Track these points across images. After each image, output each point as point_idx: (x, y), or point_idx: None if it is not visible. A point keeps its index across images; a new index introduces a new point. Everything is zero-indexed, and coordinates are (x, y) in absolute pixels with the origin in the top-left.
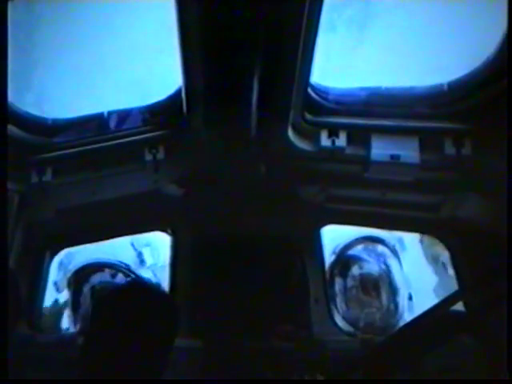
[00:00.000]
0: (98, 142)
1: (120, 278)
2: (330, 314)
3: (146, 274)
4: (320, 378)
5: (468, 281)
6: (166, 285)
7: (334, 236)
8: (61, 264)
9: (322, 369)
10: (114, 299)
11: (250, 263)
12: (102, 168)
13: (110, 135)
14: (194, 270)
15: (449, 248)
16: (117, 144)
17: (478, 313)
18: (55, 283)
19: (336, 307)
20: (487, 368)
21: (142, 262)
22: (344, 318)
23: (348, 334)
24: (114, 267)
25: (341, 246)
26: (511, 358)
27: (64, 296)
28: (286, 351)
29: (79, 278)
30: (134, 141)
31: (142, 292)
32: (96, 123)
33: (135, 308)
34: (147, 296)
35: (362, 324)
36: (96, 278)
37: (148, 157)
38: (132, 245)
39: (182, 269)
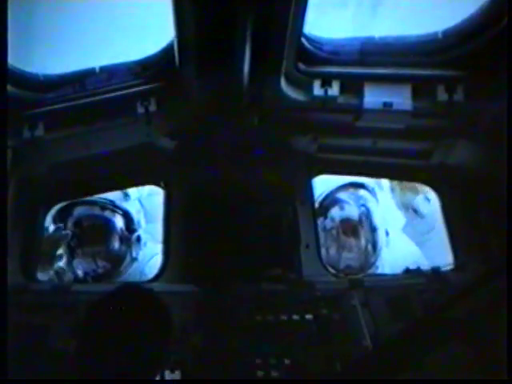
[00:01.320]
0: (90, 97)
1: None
2: (319, 258)
3: (131, 206)
4: (309, 317)
5: (458, 230)
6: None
7: (317, 185)
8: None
9: (310, 308)
10: (105, 305)
11: (242, 212)
12: (95, 122)
13: (102, 89)
14: (187, 221)
15: (439, 195)
16: (109, 98)
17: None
18: None
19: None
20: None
21: (126, 196)
22: (324, 259)
23: (337, 275)
24: (98, 204)
25: (324, 194)
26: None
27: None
28: (276, 293)
29: (63, 214)
30: (126, 94)
31: (132, 297)
32: (88, 78)
33: (127, 313)
34: (138, 300)
35: (342, 265)
36: (79, 211)
37: (140, 110)
38: None
39: (175, 221)
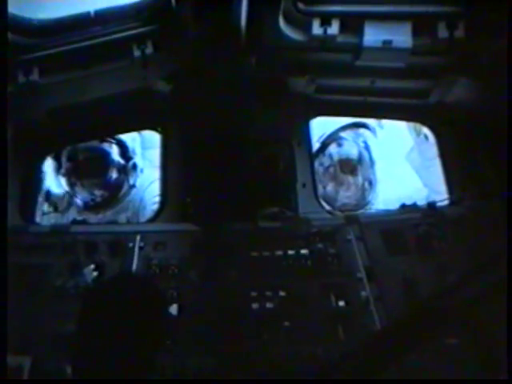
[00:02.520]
0: (85, 41)
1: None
2: (316, 197)
3: (126, 135)
4: (304, 251)
5: (454, 167)
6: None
7: (319, 127)
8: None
9: (306, 244)
10: (102, 293)
11: (239, 153)
12: (91, 66)
13: (98, 33)
14: (185, 162)
15: (436, 135)
16: (104, 41)
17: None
18: None
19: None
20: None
21: None
22: (322, 196)
23: (333, 212)
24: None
25: (326, 135)
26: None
27: None
28: (272, 230)
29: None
30: (122, 37)
31: (128, 285)
32: (83, 22)
33: (123, 301)
34: (134, 288)
35: (339, 203)
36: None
37: (136, 53)
38: None
39: (172, 163)
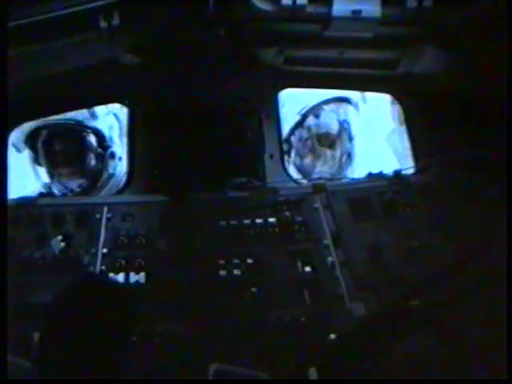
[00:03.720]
0: (50, 12)
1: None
2: (283, 168)
3: (102, 124)
4: (272, 220)
5: (421, 142)
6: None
7: (299, 99)
8: None
9: (273, 213)
10: (70, 296)
11: (207, 124)
12: (56, 39)
13: (64, 4)
14: (152, 135)
15: (404, 107)
16: (69, 13)
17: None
18: (13, 145)
19: (293, 159)
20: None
21: (93, 115)
22: (298, 168)
23: (299, 182)
24: (67, 125)
25: (308, 107)
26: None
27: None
28: (240, 199)
29: (33, 136)
30: (88, 9)
31: (96, 287)
32: None
33: (91, 303)
34: (102, 290)
35: (315, 176)
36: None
37: (103, 24)
38: None
39: (139, 135)
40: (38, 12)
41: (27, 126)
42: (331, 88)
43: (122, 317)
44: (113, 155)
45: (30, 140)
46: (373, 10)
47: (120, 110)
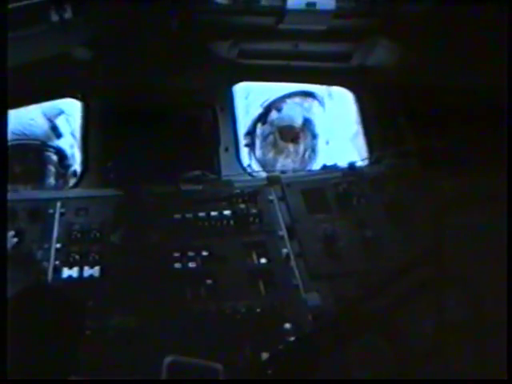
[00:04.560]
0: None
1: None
2: (238, 160)
3: (65, 143)
4: (227, 213)
5: (374, 135)
6: None
7: (263, 91)
8: None
9: (229, 206)
10: (15, 304)
11: (161, 118)
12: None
13: None
14: (106, 129)
15: (358, 100)
16: (21, 6)
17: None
18: None
19: (254, 154)
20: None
21: (58, 135)
22: (260, 163)
23: (255, 175)
24: (29, 146)
25: (270, 100)
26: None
27: None
28: (195, 192)
29: None
30: (40, 1)
31: (41, 295)
32: None
33: (36, 311)
34: (47, 299)
35: (277, 169)
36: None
37: (54, 17)
38: (44, 116)
39: (93, 128)
40: None
41: None
42: (286, 81)
43: (67, 321)
44: (75, 174)
45: None
46: (327, 2)
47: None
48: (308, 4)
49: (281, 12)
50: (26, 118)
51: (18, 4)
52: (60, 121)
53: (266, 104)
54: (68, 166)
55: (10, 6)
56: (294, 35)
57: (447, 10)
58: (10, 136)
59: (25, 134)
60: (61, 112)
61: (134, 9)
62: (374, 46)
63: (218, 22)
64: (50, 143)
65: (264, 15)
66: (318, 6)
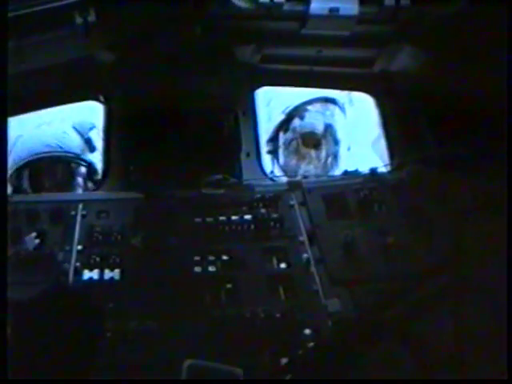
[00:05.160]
0: (25, 9)
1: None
2: (260, 166)
3: (97, 157)
4: (247, 217)
5: (396, 141)
6: None
7: (286, 98)
8: None
9: (249, 210)
10: (37, 305)
11: (183, 122)
12: (31, 35)
13: (38, 1)
14: (128, 132)
15: (380, 106)
16: (44, 9)
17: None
18: None
19: (277, 160)
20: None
21: (92, 148)
22: (283, 169)
23: (276, 179)
24: (62, 158)
25: (292, 106)
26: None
27: None
28: (216, 197)
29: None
30: (64, 5)
31: (62, 297)
32: None
33: (57, 313)
34: (67, 300)
35: (299, 176)
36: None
37: (78, 21)
38: (76, 130)
39: (115, 132)
40: (12, 8)
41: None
42: (308, 87)
43: (87, 324)
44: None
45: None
46: (350, 7)
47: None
48: (331, 9)
49: (304, 17)
50: (60, 131)
51: (42, 7)
52: (93, 135)
53: (287, 111)
54: (97, 181)
55: (35, 9)
56: (316, 40)
57: (472, 15)
58: (43, 148)
59: (60, 147)
60: (93, 127)
61: (157, 12)
62: (398, 52)
63: (241, 27)
64: (83, 157)
65: (287, 20)
66: (341, 12)
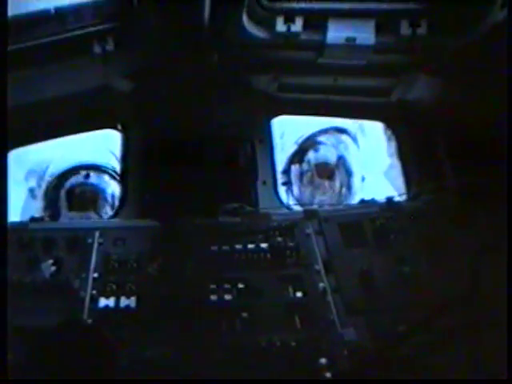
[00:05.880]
0: (45, 38)
1: (95, 178)
2: (276, 194)
3: None
4: (264, 246)
5: (412, 170)
6: None
7: (297, 128)
8: (33, 172)
9: (266, 238)
10: (50, 339)
11: (200, 149)
12: (50, 64)
13: (57, 29)
14: (145, 159)
15: (396, 135)
16: (64, 38)
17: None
18: (31, 190)
19: (292, 192)
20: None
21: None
22: (298, 200)
23: (292, 208)
24: (100, 169)
25: (304, 137)
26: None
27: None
28: (232, 225)
29: (56, 183)
30: (83, 34)
31: (77, 332)
32: (43, 19)
33: (71, 346)
34: (82, 336)
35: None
36: (71, 182)
37: (97, 49)
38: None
39: (132, 160)
40: (32, 37)
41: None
42: (324, 115)
43: (98, 356)
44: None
45: (53, 186)
46: (367, 37)
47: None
48: (348, 39)
49: (320, 46)
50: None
51: (61, 36)
52: None
53: (300, 141)
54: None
55: (55, 38)
56: (333, 70)
57: (488, 45)
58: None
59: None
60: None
61: (174, 42)
62: (414, 81)
63: (258, 56)
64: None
65: (304, 49)
66: (358, 41)
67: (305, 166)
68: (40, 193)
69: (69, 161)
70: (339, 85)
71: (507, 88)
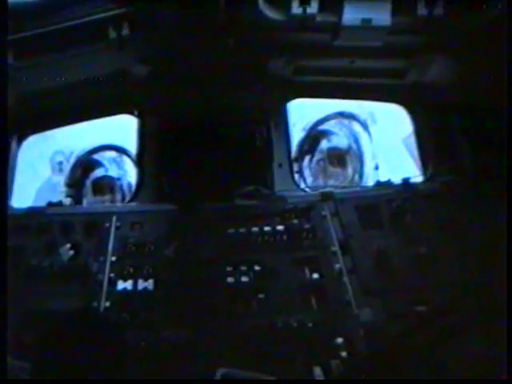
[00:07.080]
0: (60, 23)
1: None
2: (292, 177)
3: None
4: (280, 228)
5: (429, 152)
6: None
7: (305, 113)
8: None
9: (282, 221)
10: (62, 327)
11: (216, 134)
12: (65, 49)
13: (72, 15)
14: (162, 145)
15: (411, 114)
16: (79, 23)
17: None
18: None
19: (304, 179)
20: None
21: None
22: (310, 188)
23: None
24: (120, 150)
25: (311, 122)
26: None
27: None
28: (249, 208)
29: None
30: (98, 19)
31: (87, 321)
32: (57, 4)
33: (83, 333)
34: (93, 325)
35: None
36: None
37: (112, 34)
38: None
39: (149, 144)
40: (47, 23)
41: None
42: (340, 98)
43: (111, 348)
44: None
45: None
46: (383, 18)
47: None
48: (363, 20)
49: (336, 28)
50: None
51: (76, 21)
52: None
53: (308, 127)
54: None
55: (70, 24)
56: (349, 51)
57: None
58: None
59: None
60: None
61: (190, 26)
62: (431, 63)
63: (274, 39)
64: None
65: (320, 32)
66: (374, 22)
67: (318, 154)
68: (65, 171)
69: (91, 143)
70: (355, 67)
71: None
